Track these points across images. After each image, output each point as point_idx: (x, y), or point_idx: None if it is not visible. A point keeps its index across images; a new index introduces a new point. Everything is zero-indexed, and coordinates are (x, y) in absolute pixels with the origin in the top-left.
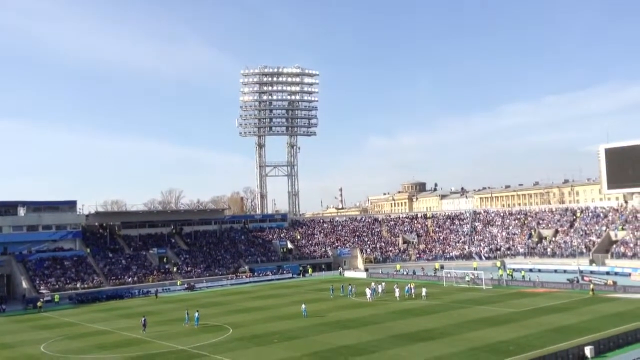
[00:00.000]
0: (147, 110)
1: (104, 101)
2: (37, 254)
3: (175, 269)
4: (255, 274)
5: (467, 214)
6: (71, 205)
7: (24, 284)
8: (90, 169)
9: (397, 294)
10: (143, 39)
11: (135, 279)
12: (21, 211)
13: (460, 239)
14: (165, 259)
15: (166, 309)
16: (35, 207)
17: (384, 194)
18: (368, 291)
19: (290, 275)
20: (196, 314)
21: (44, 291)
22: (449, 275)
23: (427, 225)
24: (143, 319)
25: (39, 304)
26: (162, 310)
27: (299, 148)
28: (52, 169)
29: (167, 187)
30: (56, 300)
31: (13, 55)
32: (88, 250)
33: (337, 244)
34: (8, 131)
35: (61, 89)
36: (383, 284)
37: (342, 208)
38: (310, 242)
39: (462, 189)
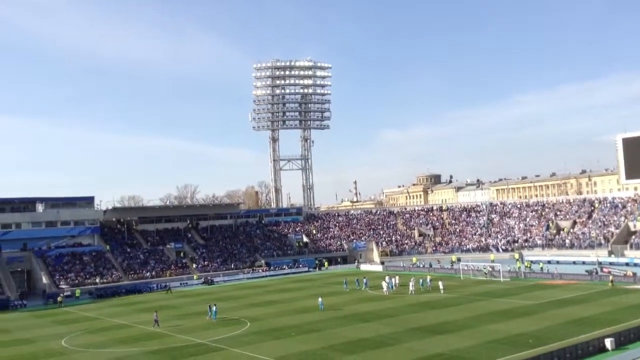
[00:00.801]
0: (161, 106)
1: (118, 98)
2: (56, 250)
3: (192, 263)
4: (272, 267)
5: (484, 206)
6: (89, 201)
7: (44, 279)
8: (106, 165)
9: (411, 287)
10: (155, 34)
11: (154, 273)
12: (40, 207)
13: (477, 231)
14: (182, 254)
15: (183, 302)
16: (54, 203)
17: (399, 186)
18: (384, 284)
19: (306, 269)
20: (214, 308)
21: (63, 286)
22: (465, 268)
23: (442, 218)
24: (155, 314)
25: (59, 299)
26: (179, 305)
27: (313, 142)
28: (68, 165)
29: (182, 182)
30: (77, 295)
31: (27, 52)
32: (107, 245)
33: (352, 237)
34: (25, 127)
35: (76, 85)
36: (397, 277)
37: (357, 201)
38: (325, 235)
39: (478, 180)
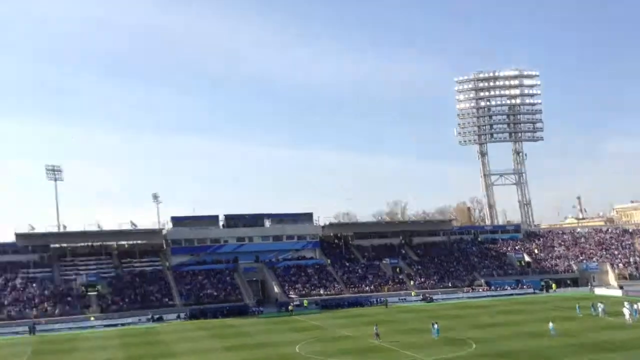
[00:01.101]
0: (365, 124)
1: (326, 118)
2: (283, 262)
3: (409, 280)
4: (492, 287)
5: None
6: (308, 216)
7: (275, 289)
8: (319, 182)
9: (626, 315)
10: (358, 53)
11: (372, 287)
12: (267, 223)
13: None
14: (398, 269)
15: (402, 318)
16: (279, 219)
17: (632, 201)
18: (626, 311)
19: (531, 290)
20: (435, 326)
21: (293, 296)
22: None
23: None
24: (375, 327)
25: (290, 307)
26: (398, 320)
27: (526, 155)
28: (283, 183)
29: (390, 198)
30: (305, 304)
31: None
32: (327, 259)
33: (581, 258)
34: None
35: (278, 104)
36: (639, 303)
37: (583, 218)
38: (549, 255)
39: None
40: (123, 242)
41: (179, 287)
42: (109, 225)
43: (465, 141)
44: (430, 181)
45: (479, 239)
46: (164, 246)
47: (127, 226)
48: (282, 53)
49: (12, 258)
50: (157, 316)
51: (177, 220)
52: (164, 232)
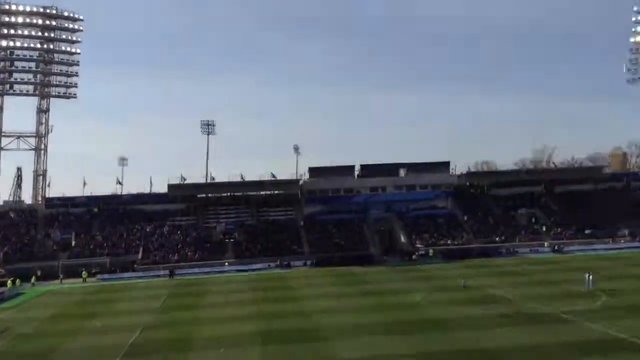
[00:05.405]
0: (516, 63)
1: (470, 62)
2: (414, 212)
3: (544, 229)
4: (637, 238)
5: None
6: (445, 166)
7: (402, 239)
8: (460, 129)
9: None
10: None
11: (503, 238)
12: (402, 172)
13: None
14: (534, 219)
15: (534, 270)
16: (414, 168)
17: None
18: None
19: None
20: (590, 277)
21: (419, 245)
22: None
23: None
24: (462, 281)
25: (414, 257)
26: (529, 271)
27: None
28: (427, 129)
29: (539, 145)
30: (430, 254)
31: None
32: (459, 209)
33: None
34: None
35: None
36: None
37: None
38: None
39: None
40: (262, 193)
41: (308, 236)
42: (251, 176)
43: (635, 79)
44: (588, 124)
45: (631, 187)
46: (300, 196)
47: (267, 177)
48: None
49: (164, 207)
50: (285, 262)
51: (313, 171)
52: (301, 182)
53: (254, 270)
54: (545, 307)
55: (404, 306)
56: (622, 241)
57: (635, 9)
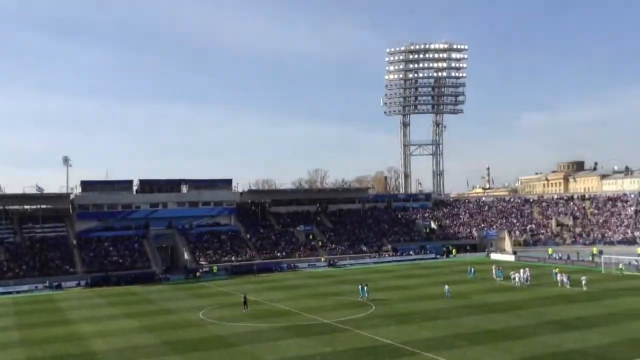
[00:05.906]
0: (293, 91)
1: (255, 85)
2: (197, 228)
3: (320, 245)
4: (398, 253)
5: (632, 196)
6: (227, 183)
7: (186, 256)
8: (244, 149)
9: (516, 279)
10: (297, 24)
11: (284, 253)
12: (184, 188)
13: (623, 222)
14: (311, 236)
15: (311, 283)
16: (197, 185)
17: (536, 173)
18: (516, 275)
19: (433, 255)
20: (365, 288)
21: (203, 262)
22: (608, 262)
23: (584, 208)
24: (243, 296)
25: (197, 274)
26: (309, 285)
27: (445, 126)
28: (210, 148)
29: (313, 166)
30: (214, 271)
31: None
32: (242, 226)
33: (483, 225)
34: (176, 115)
35: (222, 75)
36: (527, 269)
37: (490, 188)
38: (454, 222)
39: (627, 167)
40: (26, 207)
41: (82, 254)
42: (13, 189)
43: (390, 112)
44: (354, 150)
45: (392, 207)
46: (71, 211)
47: (31, 190)
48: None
49: None
50: (56, 283)
51: (86, 185)
52: (72, 196)
53: (18, 292)
54: (324, 317)
55: (185, 324)
56: (386, 255)
57: (387, 50)
